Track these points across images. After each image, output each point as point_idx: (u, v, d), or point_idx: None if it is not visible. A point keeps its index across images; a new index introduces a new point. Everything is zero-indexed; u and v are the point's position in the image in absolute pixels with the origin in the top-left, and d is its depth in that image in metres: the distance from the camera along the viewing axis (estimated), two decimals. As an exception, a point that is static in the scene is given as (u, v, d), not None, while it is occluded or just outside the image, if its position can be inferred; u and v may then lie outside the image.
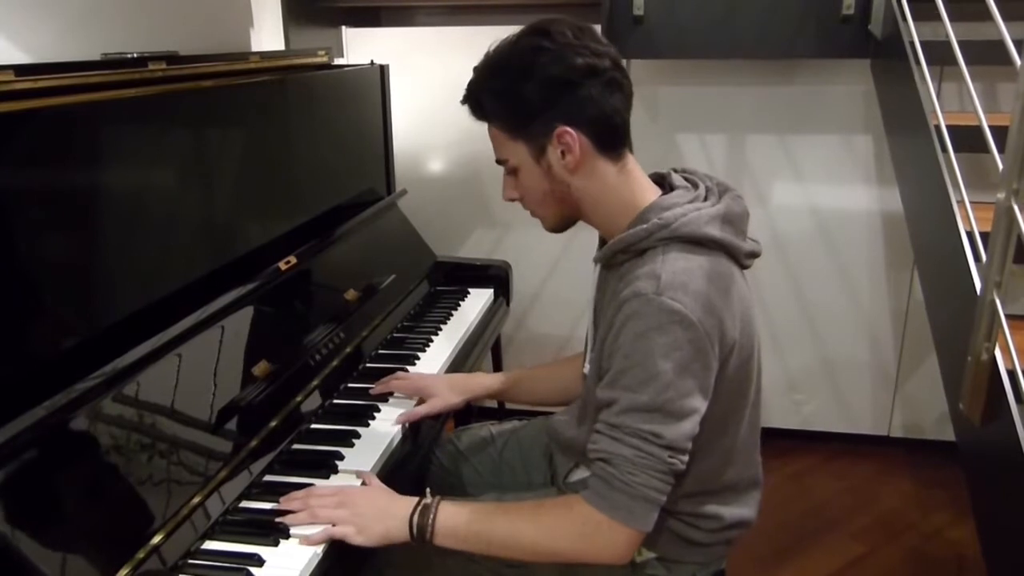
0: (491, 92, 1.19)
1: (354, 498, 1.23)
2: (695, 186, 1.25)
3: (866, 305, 2.71)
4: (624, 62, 1.20)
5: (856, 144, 2.57)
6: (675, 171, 1.29)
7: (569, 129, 1.15)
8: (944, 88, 2.44)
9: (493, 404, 2.83)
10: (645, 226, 1.16)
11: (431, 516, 1.19)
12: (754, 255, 1.25)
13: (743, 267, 1.24)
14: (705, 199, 1.22)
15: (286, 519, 1.20)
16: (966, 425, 1.51)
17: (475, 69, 1.21)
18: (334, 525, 1.19)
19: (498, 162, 1.26)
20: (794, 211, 2.66)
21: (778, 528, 2.40)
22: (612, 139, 1.19)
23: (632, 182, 1.22)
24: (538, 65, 1.14)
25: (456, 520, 1.19)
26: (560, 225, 1.29)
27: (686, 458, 1.13)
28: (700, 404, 1.12)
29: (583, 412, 1.33)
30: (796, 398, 2.84)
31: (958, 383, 1.51)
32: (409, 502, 1.22)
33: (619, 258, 1.20)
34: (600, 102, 1.15)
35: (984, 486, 1.52)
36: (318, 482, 1.31)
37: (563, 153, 1.17)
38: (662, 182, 1.28)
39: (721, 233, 1.17)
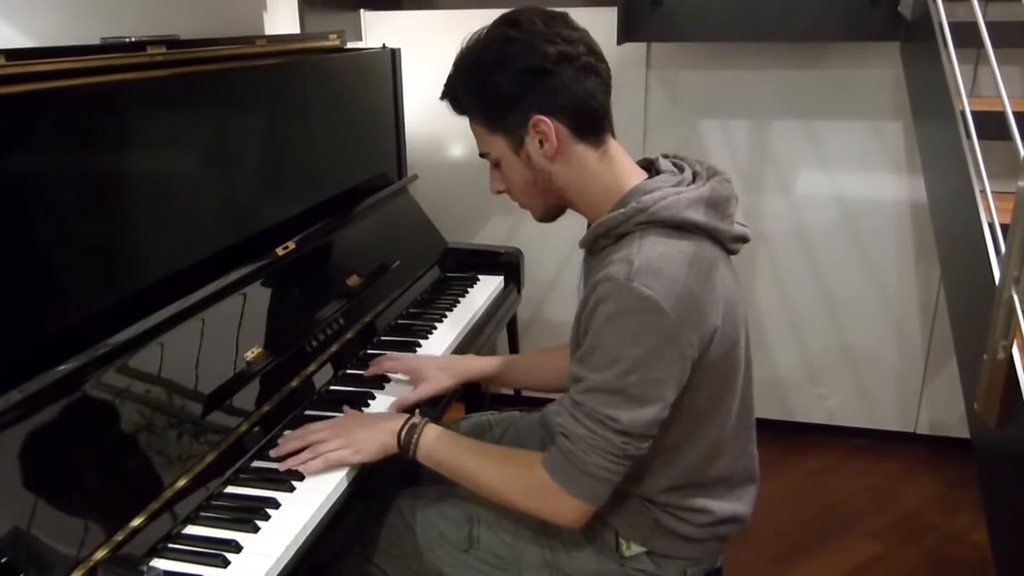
0: (465, 87, 1.20)
1: (346, 423, 1.35)
2: (681, 170, 1.23)
3: (893, 298, 2.62)
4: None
5: (885, 131, 2.48)
6: (665, 156, 1.27)
7: (544, 117, 1.15)
8: (980, 72, 2.34)
9: (510, 392, 2.82)
10: (623, 210, 1.15)
11: (416, 435, 1.29)
12: (741, 240, 1.22)
13: (730, 252, 1.22)
14: (692, 183, 1.19)
15: (289, 462, 1.28)
16: (981, 426, 1.45)
17: (453, 64, 1.21)
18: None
19: (481, 155, 1.26)
20: (819, 200, 2.59)
21: (794, 525, 2.35)
22: (590, 124, 1.18)
23: (615, 167, 1.21)
24: (509, 56, 1.14)
25: (435, 445, 1.29)
26: (547, 215, 1.29)
27: (645, 444, 1.12)
28: (667, 392, 1.10)
29: None
30: (819, 392, 2.77)
31: (974, 382, 1.45)
32: (400, 418, 1.33)
33: (600, 243, 1.19)
34: (574, 88, 1.14)
35: (998, 490, 1.46)
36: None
37: (540, 142, 1.17)
38: (650, 168, 1.26)
39: (702, 217, 1.15)
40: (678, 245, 1.12)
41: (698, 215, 1.14)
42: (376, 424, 1.33)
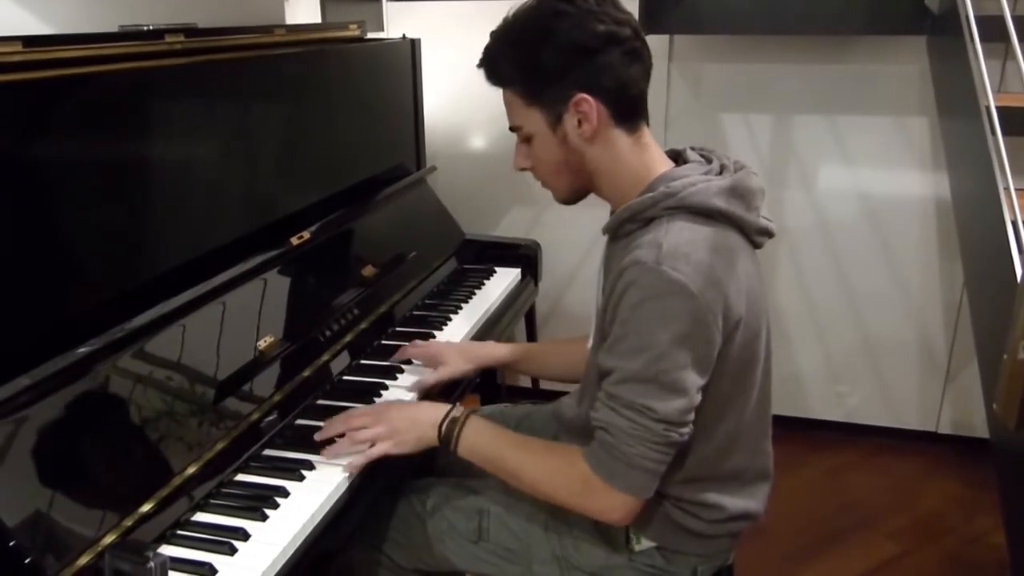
0: (508, 57, 1.17)
1: (388, 413, 1.32)
2: (709, 161, 1.22)
3: (916, 295, 2.59)
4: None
5: (910, 127, 2.44)
6: (692, 148, 1.26)
7: (587, 97, 1.13)
8: (1009, 67, 2.29)
9: (526, 384, 2.82)
10: (652, 194, 1.14)
11: (458, 428, 1.26)
12: (766, 233, 1.21)
13: (755, 244, 1.21)
14: (719, 174, 1.19)
15: (328, 450, 1.29)
16: (1000, 427, 1.43)
17: (492, 33, 1.19)
18: (372, 445, 1.27)
19: (512, 129, 1.24)
20: (842, 196, 2.55)
21: (810, 523, 2.33)
22: (629, 110, 1.17)
23: (646, 155, 1.20)
24: (558, 30, 1.12)
25: (477, 439, 1.26)
26: (572, 197, 1.27)
27: (686, 430, 1.11)
28: (698, 378, 1.09)
29: (583, 391, 1.32)
30: (839, 389, 2.74)
31: (995, 382, 1.43)
32: (440, 410, 1.30)
33: (626, 228, 1.18)
34: (619, 71, 1.13)
35: (1017, 493, 1.44)
36: (314, 458, 1.29)
37: (580, 122, 1.16)
38: (678, 158, 1.25)
39: (729, 206, 1.14)
40: (705, 231, 1.12)
41: (726, 204, 1.13)
42: (417, 415, 1.31)
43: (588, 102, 1.13)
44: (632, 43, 1.14)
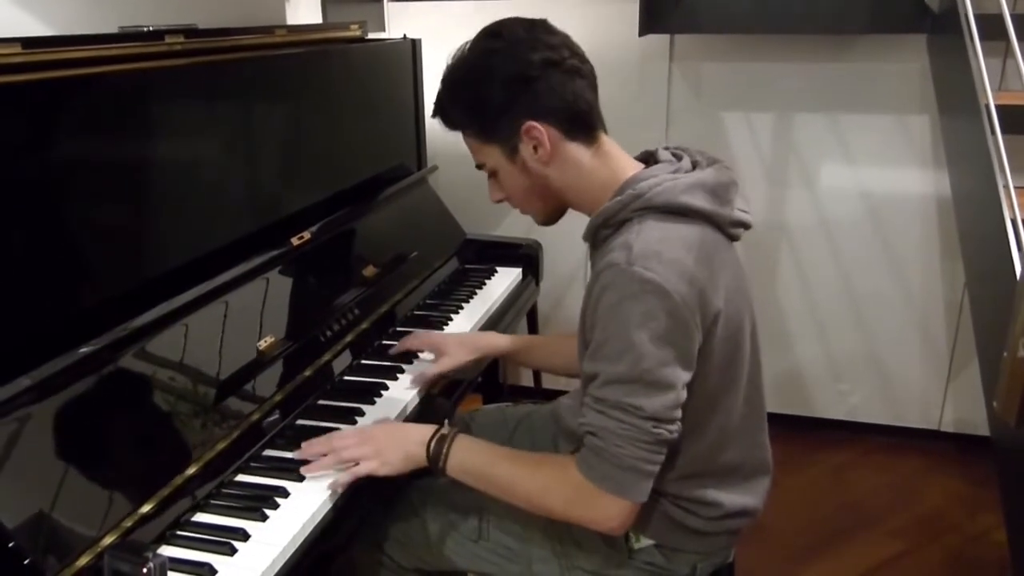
0: (455, 103, 1.21)
1: (373, 432, 1.29)
2: (679, 159, 1.23)
3: (918, 293, 2.59)
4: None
5: (911, 125, 2.44)
6: (665, 148, 1.27)
7: (535, 123, 1.16)
8: (1009, 66, 2.29)
9: (530, 383, 2.82)
10: (620, 198, 1.15)
11: (446, 446, 1.24)
12: (741, 225, 1.22)
13: (731, 237, 1.21)
14: (691, 171, 1.20)
15: (311, 466, 1.25)
16: (1001, 425, 1.43)
17: (440, 82, 1.22)
18: (357, 464, 1.24)
19: (478, 167, 1.27)
20: (843, 194, 2.55)
21: (812, 522, 2.33)
22: (581, 124, 1.19)
23: (611, 162, 1.21)
24: (494, 67, 1.16)
25: (466, 456, 1.24)
26: (550, 218, 1.30)
27: (675, 427, 1.11)
28: (682, 374, 1.09)
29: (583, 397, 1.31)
30: (841, 388, 2.74)
31: (995, 380, 1.43)
32: (428, 429, 1.27)
33: (601, 233, 1.19)
34: (561, 91, 1.15)
35: (1018, 490, 1.44)
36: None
37: (534, 148, 1.18)
38: (649, 160, 1.26)
39: (699, 201, 1.15)
40: (676, 229, 1.12)
41: (695, 200, 1.14)
42: (404, 434, 1.29)
43: (537, 128, 1.16)
44: (569, 62, 1.16)
